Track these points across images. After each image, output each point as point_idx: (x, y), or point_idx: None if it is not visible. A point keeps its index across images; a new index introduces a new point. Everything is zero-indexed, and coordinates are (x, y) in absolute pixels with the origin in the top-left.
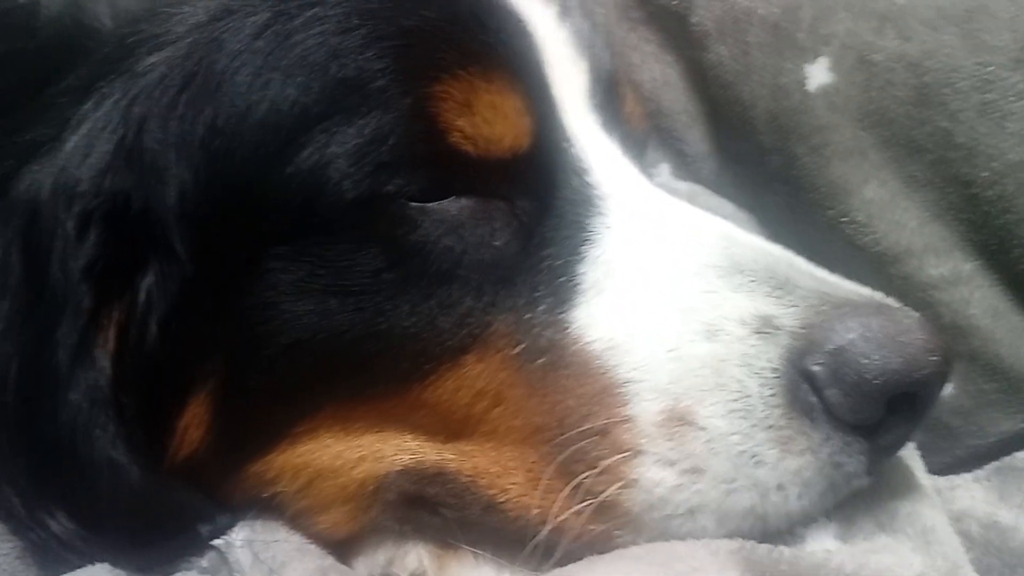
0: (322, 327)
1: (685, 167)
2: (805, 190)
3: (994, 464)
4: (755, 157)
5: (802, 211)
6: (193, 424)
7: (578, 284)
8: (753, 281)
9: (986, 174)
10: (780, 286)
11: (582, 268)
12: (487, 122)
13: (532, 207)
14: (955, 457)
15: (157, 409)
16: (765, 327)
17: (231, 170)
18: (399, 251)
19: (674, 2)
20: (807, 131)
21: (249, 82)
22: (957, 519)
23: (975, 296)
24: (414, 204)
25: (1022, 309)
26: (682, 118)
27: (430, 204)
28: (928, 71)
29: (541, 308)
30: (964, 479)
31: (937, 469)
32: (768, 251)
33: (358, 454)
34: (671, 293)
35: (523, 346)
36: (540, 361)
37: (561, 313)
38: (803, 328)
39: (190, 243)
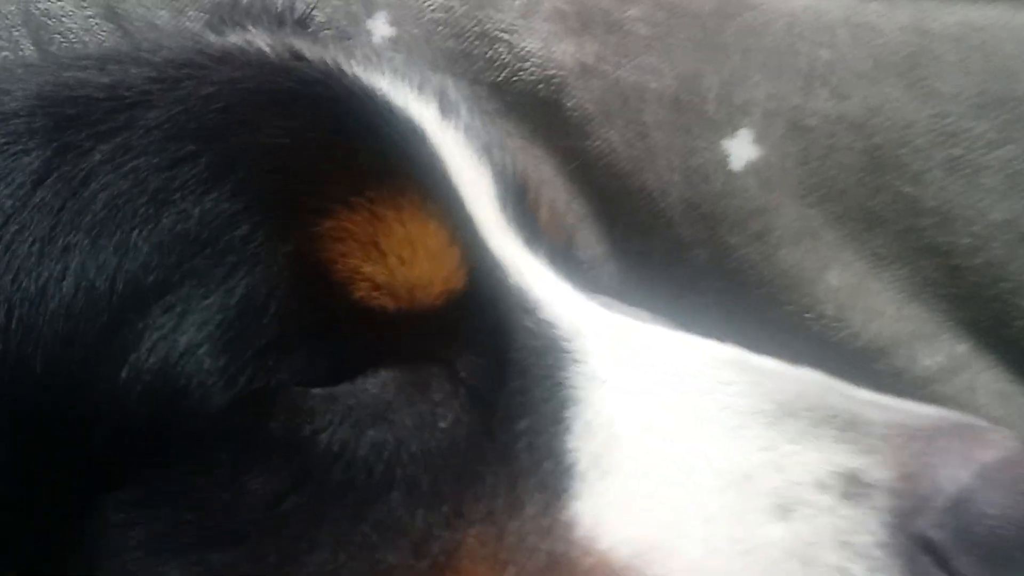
0: None
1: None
2: (748, 286)
3: None
4: (671, 254)
5: (748, 311)
6: None
7: (572, 465)
8: (812, 425)
9: (967, 240)
10: (848, 426)
11: (571, 442)
12: (404, 263)
13: (480, 366)
14: None
15: None
16: (852, 487)
17: (29, 388)
18: (306, 460)
19: (540, 86)
20: (740, 216)
21: (37, 252)
22: None
23: (978, 381)
24: (317, 391)
25: None
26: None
27: (340, 387)
28: (876, 131)
29: (529, 510)
30: None
31: None
32: (802, 378)
33: None
34: (709, 458)
35: (515, 569)
36: None
37: (558, 512)
38: (900, 480)
39: None
